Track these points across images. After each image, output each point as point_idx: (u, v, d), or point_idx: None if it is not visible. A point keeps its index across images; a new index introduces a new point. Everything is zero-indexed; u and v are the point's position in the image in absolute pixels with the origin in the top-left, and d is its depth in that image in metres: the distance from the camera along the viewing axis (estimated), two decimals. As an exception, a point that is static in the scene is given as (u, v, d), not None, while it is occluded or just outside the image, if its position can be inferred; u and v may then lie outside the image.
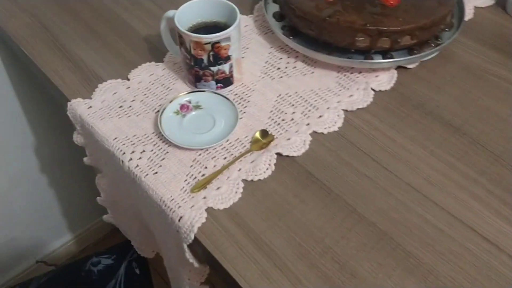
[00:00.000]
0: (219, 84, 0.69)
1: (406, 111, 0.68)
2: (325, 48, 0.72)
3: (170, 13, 0.67)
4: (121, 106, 0.69)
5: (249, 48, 0.78)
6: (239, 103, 0.69)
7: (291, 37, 0.74)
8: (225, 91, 0.70)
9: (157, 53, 0.77)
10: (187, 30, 0.65)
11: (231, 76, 0.69)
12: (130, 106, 0.69)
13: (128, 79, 0.73)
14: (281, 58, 0.76)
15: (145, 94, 0.71)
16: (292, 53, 0.76)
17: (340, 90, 0.70)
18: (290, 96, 0.70)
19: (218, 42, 0.64)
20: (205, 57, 0.65)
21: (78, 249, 1.48)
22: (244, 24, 0.82)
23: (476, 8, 0.84)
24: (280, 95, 0.70)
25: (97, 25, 0.83)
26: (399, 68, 0.73)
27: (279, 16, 0.79)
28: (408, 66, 0.74)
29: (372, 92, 0.70)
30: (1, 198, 1.19)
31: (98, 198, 0.83)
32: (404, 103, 0.69)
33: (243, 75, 0.72)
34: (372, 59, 0.71)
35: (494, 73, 0.73)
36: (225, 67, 0.67)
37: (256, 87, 0.71)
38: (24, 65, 0.84)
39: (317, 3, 0.71)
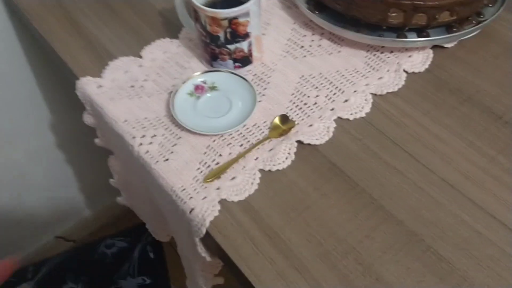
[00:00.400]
0: (236, 64, 0.64)
1: (442, 96, 0.62)
2: (353, 24, 0.66)
3: (185, -15, 0.62)
4: (132, 86, 0.65)
5: (271, 24, 0.72)
6: (258, 84, 0.64)
7: (316, 12, 0.69)
8: (243, 71, 0.65)
9: (172, 29, 0.72)
10: (204, 5, 0.60)
11: (250, 55, 0.64)
12: (142, 86, 0.65)
13: (141, 57, 0.69)
14: (305, 36, 0.70)
15: (158, 73, 0.66)
16: (317, 30, 0.70)
17: (369, 71, 0.65)
18: (313, 77, 0.64)
19: (236, 17, 0.59)
20: (221, 34, 0.60)
21: (96, 225, 1.47)
22: (266, -3, 0.76)
23: (524, -19, 0.76)
24: (303, 76, 0.65)
25: (110, -2, 0.78)
26: (435, 47, 0.67)
27: (304, -11, 0.72)
28: (446, 46, 0.68)
29: (405, 74, 0.64)
30: (19, 173, 1.18)
31: (111, 180, 0.81)
32: (440, 87, 0.63)
33: (263, 53, 0.67)
34: (405, 37, 0.65)
35: (543, 54, 0.66)
36: (244, 45, 0.62)
37: (277, 67, 0.66)
38: (38, 41, 0.81)
39: (346, -25, 0.65)
